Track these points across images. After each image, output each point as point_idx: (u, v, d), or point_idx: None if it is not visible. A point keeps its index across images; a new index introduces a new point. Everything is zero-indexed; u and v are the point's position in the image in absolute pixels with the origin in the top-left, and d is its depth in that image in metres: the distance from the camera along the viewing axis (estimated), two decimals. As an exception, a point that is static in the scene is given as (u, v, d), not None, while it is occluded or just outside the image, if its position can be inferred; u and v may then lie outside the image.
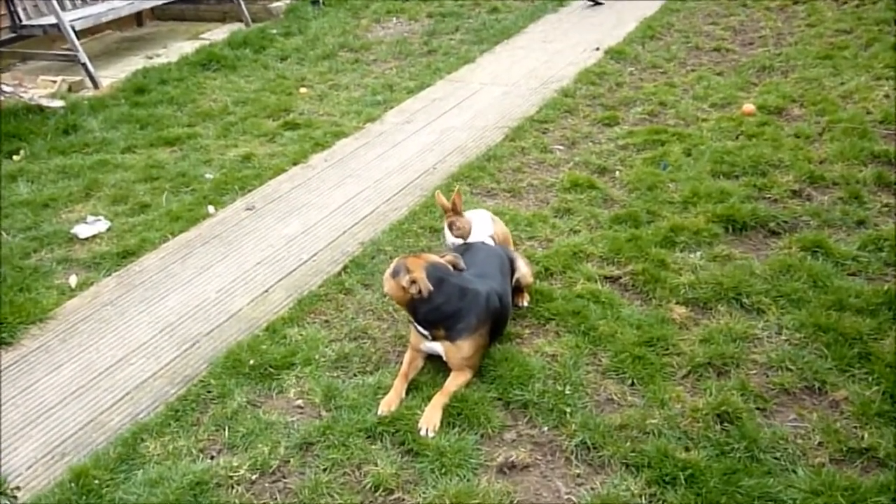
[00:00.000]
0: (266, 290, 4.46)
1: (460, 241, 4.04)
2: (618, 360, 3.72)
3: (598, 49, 8.39)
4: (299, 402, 3.58)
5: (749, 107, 6.45)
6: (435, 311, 3.44)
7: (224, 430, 3.44)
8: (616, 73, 7.65)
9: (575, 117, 6.66)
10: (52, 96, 7.40)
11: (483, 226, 4.15)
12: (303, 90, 7.63)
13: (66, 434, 3.50)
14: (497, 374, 3.65)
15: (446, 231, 4.10)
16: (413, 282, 3.41)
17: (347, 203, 5.39)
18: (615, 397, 3.53)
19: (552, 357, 3.78)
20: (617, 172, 5.62)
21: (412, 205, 5.30)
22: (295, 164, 6.04)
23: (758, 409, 3.41)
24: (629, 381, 3.61)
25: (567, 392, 3.53)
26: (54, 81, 7.75)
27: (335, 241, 4.90)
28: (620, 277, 4.36)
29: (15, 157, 6.25)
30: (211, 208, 5.39)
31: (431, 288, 3.37)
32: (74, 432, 3.51)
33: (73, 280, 4.62)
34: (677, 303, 4.12)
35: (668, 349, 3.78)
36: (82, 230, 5.10)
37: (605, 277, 4.36)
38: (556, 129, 6.43)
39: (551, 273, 4.42)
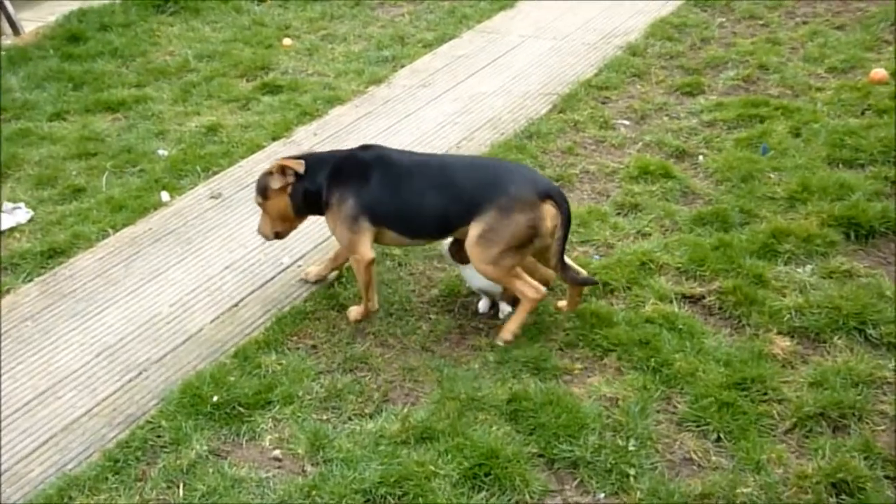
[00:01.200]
0: (236, 305, 4.49)
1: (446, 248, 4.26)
2: (699, 406, 3.71)
3: (677, -7, 8.38)
4: (276, 452, 3.60)
5: (880, 72, 6.42)
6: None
7: (177, 487, 3.46)
8: (701, 24, 7.65)
9: (645, 83, 6.67)
10: (-40, 44, 7.51)
11: None
12: (286, 42, 7.69)
13: (-29, 488, 3.54)
14: (538, 422, 3.66)
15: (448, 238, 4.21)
16: (283, 168, 4.10)
17: None
18: (695, 456, 3.53)
19: (611, 401, 3.79)
20: (700, 157, 5.62)
21: None
22: (275, 138, 6.09)
23: (886, 477, 3.39)
24: (713, 436, 3.61)
25: (631, 448, 3.52)
26: (-37, 25, 7.86)
27: (326, 242, 4.91)
28: (704, 297, 4.35)
29: (-90, 124, 6.35)
30: (165, 195, 5.44)
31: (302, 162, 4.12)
32: (-18, 486, 3.55)
33: (-17, 286, 4.68)
34: (779, 333, 4.11)
35: (765, 394, 3.78)
36: (-4, 220, 5.17)
37: (684, 297, 4.36)
38: (621, 99, 6.44)
39: (612, 289, 4.42)
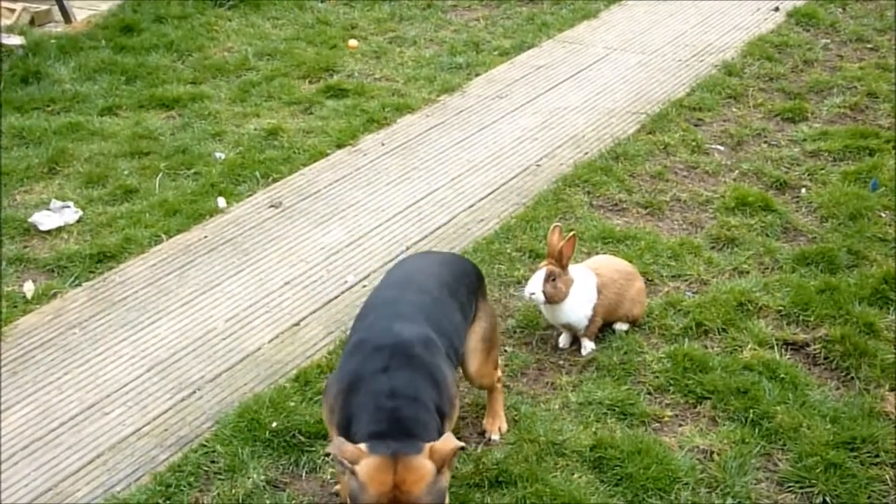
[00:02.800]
0: (297, 324, 4.51)
1: (542, 300, 4.15)
2: (802, 466, 3.65)
3: (777, 9, 8.32)
4: (338, 486, 3.59)
5: None
6: None
7: (232, 519, 3.48)
8: (803, 45, 7.58)
9: (742, 105, 6.62)
10: (10, 30, 7.64)
11: (584, 293, 4.21)
12: (352, 43, 7.74)
13: (12, 505, 3.58)
14: (624, 472, 3.62)
15: (537, 278, 4.15)
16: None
17: (413, 207, 5.46)
18: (798, 521, 3.47)
19: (706, 454, 3.74)
20: (803, 190, 5.56)
21: (505, 216, 5.33)
22: (339, 146, 6.13)
23: None
24: (819, 499, 3.55)
25: (727, 507, 3.48)
26: (12, 10, 8.00)
27: (395, 261, 4.89)
28: (808, 345, 4.29)
29: (-45, 111, 6.47)
30: (221, 201, 5.49)
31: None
32: (25, 504, 3.58)
33: (28, 288, 4.74)
34: (892, 389, 4.03)
35: (877, 456, 3.71)
36: (44, 219, 5.24)
37: (786, 343, 4.31)
38: (715, 121, 6.39)
39: (706, 330, 4.38)
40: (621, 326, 4.36)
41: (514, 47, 7.67)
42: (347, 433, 2.95)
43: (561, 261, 4.13)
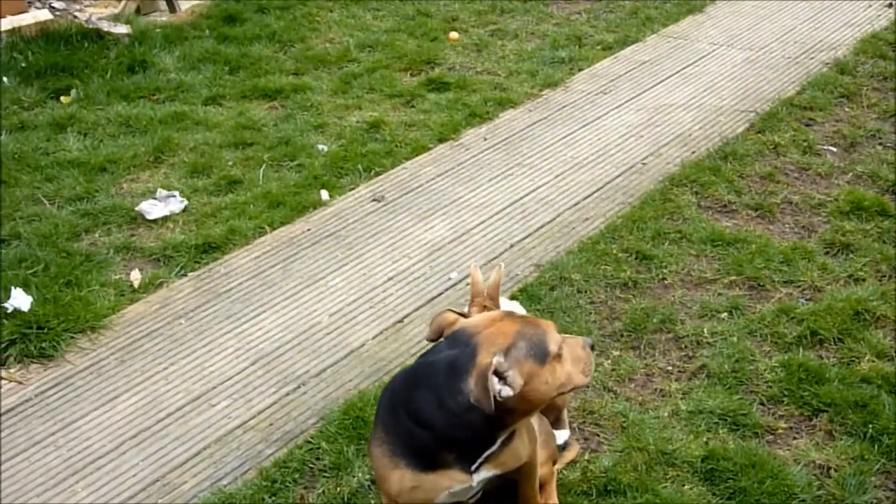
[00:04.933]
0: (401, 321, 4.50)
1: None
2: (926, 485, 3.51)
3: (891, 5, 8.06)
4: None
5: None
6: None
7: (337, 517, 3.47)
8: (920, 43, 7.33)
9: (855, 105, 6.43)
10: (115, 19, 7.75)
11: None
12: (453, 35, 7.69)
13: (120, 495, 3.61)
14: (737, 486, 3.52)
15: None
16: None
17: (516, 203, 5.42)
18: (922, 544, 3.33)
19: (822, 469, 3.62)
20: (922, 195, 5.37)
21: (611, 215, 5.27)
22: (441, 140, 6.12)
23: None
24: (944, 522, 3.40)
25: (847, 526, 3.36)
26: (119, -1, 8.13)
27: (498, 258, 4.92)
28: (930, 358, 4.13)
29: (64, 99, 6.57)
30: (324, 194, 5.50)
31: None
32: (133, 495, 3.60)
33: (135, 277, 4.80)
34: None
35: None
36: (150, 208, 5.31)
37: (906, 356, 4.15)
38: (827, 121, 6.22)
39: (821, 339, 4.25)
40: None
41: (617, 42, 7.55)
42: None
43: (495, 299, 3.64)
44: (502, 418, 2.83)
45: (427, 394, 2.83)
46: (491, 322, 2.86)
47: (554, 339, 2.85)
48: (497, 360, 2.72)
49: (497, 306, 3.51)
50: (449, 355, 2.81)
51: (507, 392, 2.73)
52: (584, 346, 2.98)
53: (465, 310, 3.45)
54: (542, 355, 2.80)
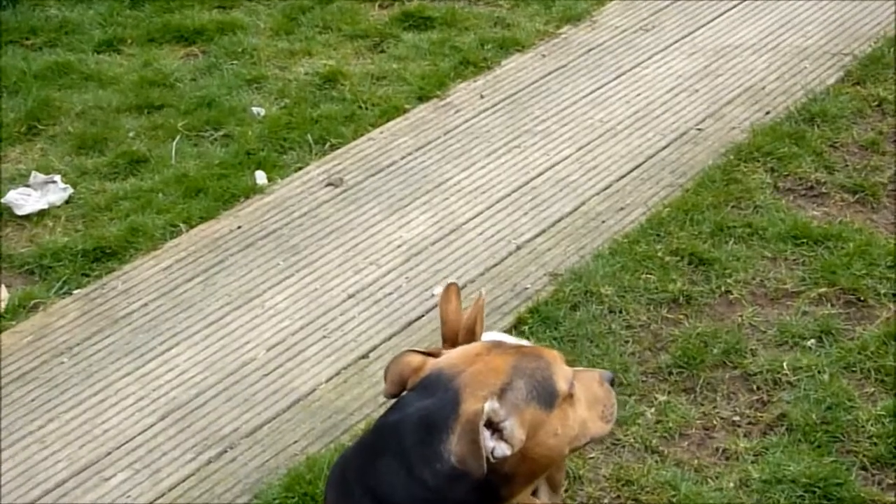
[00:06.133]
0: (365, 356, 4.47)
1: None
2: None
3: None
4: None
5: None
6: None
7: None
8: None
9: None
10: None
11: None
12: (438, -51, 7.64)
13: None
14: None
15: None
16: None
17: (525, 187, 5.41)
18: None
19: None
20: None
21: (655, 203, 5.25)
22: (422, 98, 6.11)
23: None
24: None
25: None
26: None
27: (500, 265, 4.89)
28: None
29: None
30: (261, 176, 5.48)
31: None
32: None
33: (1, 297, 4.74)
34: None
35: None
36: (21, 199, 5.27)
37: None
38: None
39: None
40: None
41: (662, -42, 7.51)
42: None
43: (471, 333, 3.58)
44: (497, 489, 2.74)
45: (392, 463, 2.75)
46: (475, 357, 2.75)
47: (563, 374, 2.76)
48: (489, 406, 2.60)
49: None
50: (420, 408, 2.69)
51: (503, 450, 2.61)
52: (602, 381, 2.93)
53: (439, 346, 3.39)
54: (548, 397, 2.70)
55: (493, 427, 2.60)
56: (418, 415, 2.68)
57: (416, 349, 2.90)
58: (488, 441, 2.59)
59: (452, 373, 2.70)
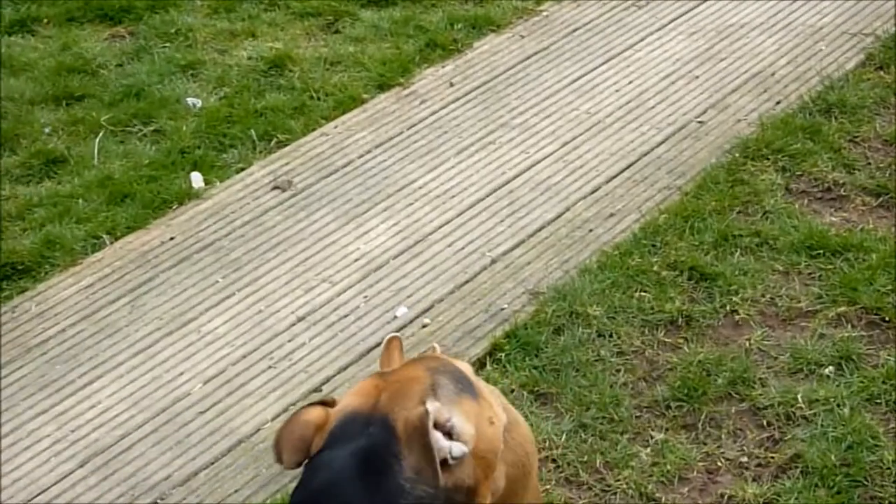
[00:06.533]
0: (317, 389, 4.43)
1: None
2: None
3: None
4: None
5: None
6: None
7: None
8: None
9: None
10: None
11: None
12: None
13: None
14: None
15: None
16: None
17: (501, 191, 5.40)
18: None
19: None
20: None
21: (649, 208, 5.23)
22: (383, 87, 6.10)
23: None
24: None
25: None
26: None
27: (473, 281, 4.88)
28: None
29: None
30: (197, 178, 5.46)
31: None
32: None
33: None
34: None
35: None
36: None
37: None
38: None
39: None
40: None
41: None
42: None
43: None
44: None
45: None
46: (381, 381, 2.77)
47: (460, 363, 2.89)
48: (432, 406, 2.62)
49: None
50: (353, 454, 2.64)
51: (461, 448, 2.62)
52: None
53: None
54: (470, 386, 2.80)
55: (441, 429, 2.61)
56: (353, 463, 2.62)
57: (312, 403, 2.84)
58: (442, 442, 2.60)
59: (368, 406, 2.70)
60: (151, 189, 5.33)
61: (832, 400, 4.22)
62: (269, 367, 4.52)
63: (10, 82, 6.06)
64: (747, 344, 4.49)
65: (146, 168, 5.46)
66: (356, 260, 5.00)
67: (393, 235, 5.12)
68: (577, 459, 4.07)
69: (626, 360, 4.46)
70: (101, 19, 6.59)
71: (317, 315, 4.74)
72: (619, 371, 4.41)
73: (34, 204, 5.27)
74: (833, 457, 4.01)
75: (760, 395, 4.27)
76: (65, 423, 4.28)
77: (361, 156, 5.60)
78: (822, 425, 4.14)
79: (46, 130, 5.73)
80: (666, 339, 4.54)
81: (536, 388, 4.33)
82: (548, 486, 3.98)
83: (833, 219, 5.10)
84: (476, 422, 2.70)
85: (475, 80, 6.11)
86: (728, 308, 4.65)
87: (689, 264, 4.83)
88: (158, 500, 4.02)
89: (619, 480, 4.00)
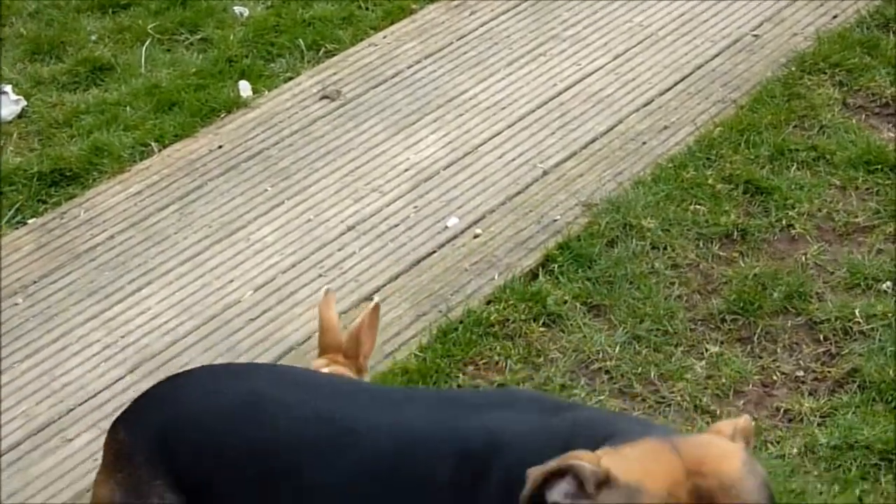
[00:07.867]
0: (369, 298, 4.38)
1: None
2: None
3: None
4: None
5: None
6: None
7: None
8: None
9: None
10: None
11: None
12: None
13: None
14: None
15: None
16: None
17: (552, 102, 5.41)
18: None
19: None
20: None
21: (703, 121, 5.21)
22: (432, -2, 6.05)
23: None
24: None
25: None
26: None
27: (524, 192, 4.88)
28: None
29: None
30: (245, 87, 5.44)
31: None
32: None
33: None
34: None
35: None
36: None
37: None
38: None
39: None
40: None
41: None
42: None
43: (358, 359, 3.43)
44: None
45: None
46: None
47: None
48: None
49: (362, 365, 3.39)
50: None
51: None
52: None
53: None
54: None
55: None
56: None
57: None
58: None
59: None
60: (199, 97, 5.33)
61: (890, 315, 4.23)
62: (319, 275, 4.52)
63: (55, -10, 6.04)
64: (803, 258, 4.49)
65: (193, 76, 5.45)
66: (406, 170, 4.99)
67: (443, 146, 5.11)
68: (631, 371, 4.09)
69: (681, 273, 4.46)
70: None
71: (366, 224, 4.74)
72: (673, 284, 4.41)
73: (81, 111, 5.26)
74: (891, 372, 4.02)
75: (817, 309, 4.27)
76: (114, 329, 4.31)
77: (410, 66, 5.58)
78: (879, 340, 4.15)
79: (93, 38, 5.71)
80: (721, 253, 4.54)
81: (590, 300, 4.33)
82: (601, 398, 4.00)
83: (891, 134, 5.09)
84: None
85: None
86: (784, 222, 4.64)
87: (744, 178, 4.83)
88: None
89: (673, 392, 4.01)
